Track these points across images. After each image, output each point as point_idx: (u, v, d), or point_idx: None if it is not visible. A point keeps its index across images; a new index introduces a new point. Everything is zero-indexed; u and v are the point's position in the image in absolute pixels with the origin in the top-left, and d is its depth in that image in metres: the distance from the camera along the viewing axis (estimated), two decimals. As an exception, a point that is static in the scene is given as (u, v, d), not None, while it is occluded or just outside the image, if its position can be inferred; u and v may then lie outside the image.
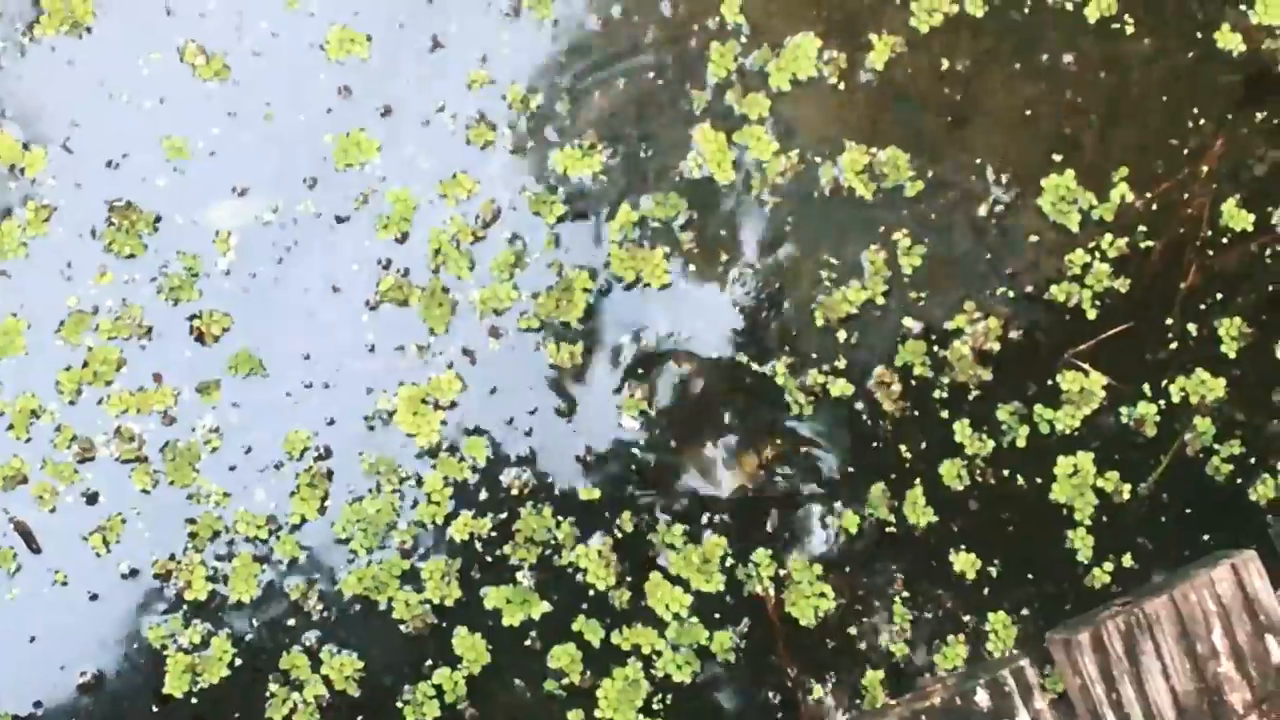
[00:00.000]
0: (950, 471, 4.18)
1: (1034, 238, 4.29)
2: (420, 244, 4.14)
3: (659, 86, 4.27)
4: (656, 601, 4.08)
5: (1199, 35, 4.39)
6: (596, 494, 4.12)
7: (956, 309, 4.25)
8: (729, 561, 4.12)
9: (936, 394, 4.23)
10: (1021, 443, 4.20)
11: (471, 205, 4.18)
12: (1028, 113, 4.33)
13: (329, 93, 4.18)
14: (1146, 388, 4.26)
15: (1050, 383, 4.24)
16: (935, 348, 4.24)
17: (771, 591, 4.10)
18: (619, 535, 4.11)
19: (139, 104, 4.15)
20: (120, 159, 4.13)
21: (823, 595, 4.12)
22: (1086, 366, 4.24)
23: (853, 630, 4.13)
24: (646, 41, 4.28)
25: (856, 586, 4.15)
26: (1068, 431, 4.21)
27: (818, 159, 4.27)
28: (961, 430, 4.19)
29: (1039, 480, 4.21)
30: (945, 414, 4.22)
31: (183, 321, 4.10)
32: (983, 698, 3.02)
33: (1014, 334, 4.26)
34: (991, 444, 4.20)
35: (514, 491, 4.11)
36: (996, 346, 4.25)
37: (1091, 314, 4.26)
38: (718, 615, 4.11)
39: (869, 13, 4.33)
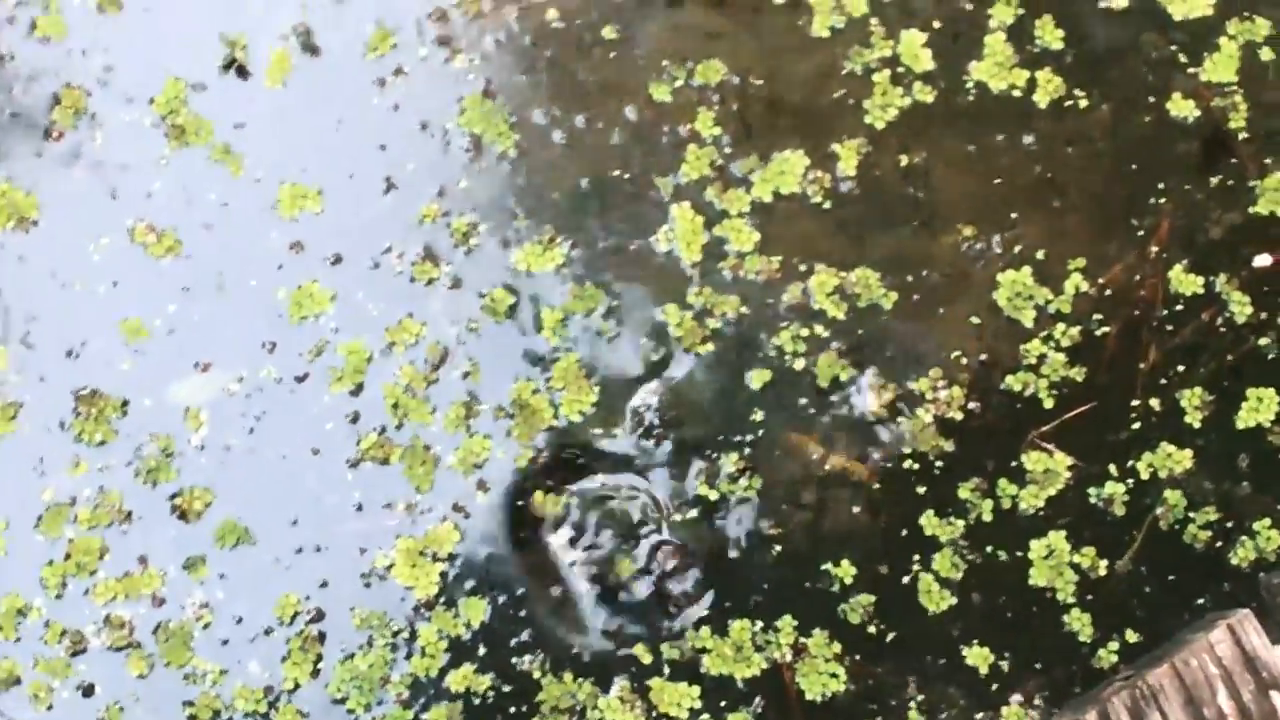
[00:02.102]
0: (944, 563, 4.41)
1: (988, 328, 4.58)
2: (377, 395, 4.39)
3: (623, 181, 4.57)
4: (668, 705, 4.28)
5: (1151, 103, 4.69)
6: (609, 644, 4.36)
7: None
8: (757, 640, 4.33)
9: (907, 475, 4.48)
10: (988, 517, 4.43)
11: (419, 350, 4.44)
12: (988, 198, 4.63)
13: (281, 250, 4.46)
14: (1112, 467, 4.49)
15: (1015, 464, 4.47)
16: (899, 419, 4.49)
17: (789, 658, 4.31)
18: (635, 670, 4.32)
19: (93, 290, 4.41)
20: (80, 347, 4.38)
21: (834, 676, 4.32)
22: (1050, 447, 4.48)
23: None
24: (612, 145, 4.59)
25: (869, 677, 4.35)
26: (1033, 511, 4.44)
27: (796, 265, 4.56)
28: (929, 521, 4.42)
29: (1018, 554, 4.43)
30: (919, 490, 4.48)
31: (163, 502, 4.33)
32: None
33: (974, 405, 4.51)
34: (961, 523, 4.42)
35: (531, 672, 4.31)
36: (959, 415, 4.50)
37: (1049, 403, 4.51)
38: (723, 703, 4.31)
39: (829, 119, 4.63)
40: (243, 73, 4.52)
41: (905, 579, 4.44)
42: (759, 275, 4.53)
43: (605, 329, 4.48)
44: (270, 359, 4.40)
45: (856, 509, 4.45)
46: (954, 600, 4.39)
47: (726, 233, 4.53)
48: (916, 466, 4.48)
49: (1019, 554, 4.43)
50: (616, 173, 4.56)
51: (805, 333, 4.51)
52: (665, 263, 4.53)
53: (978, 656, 4.39)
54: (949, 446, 4.46)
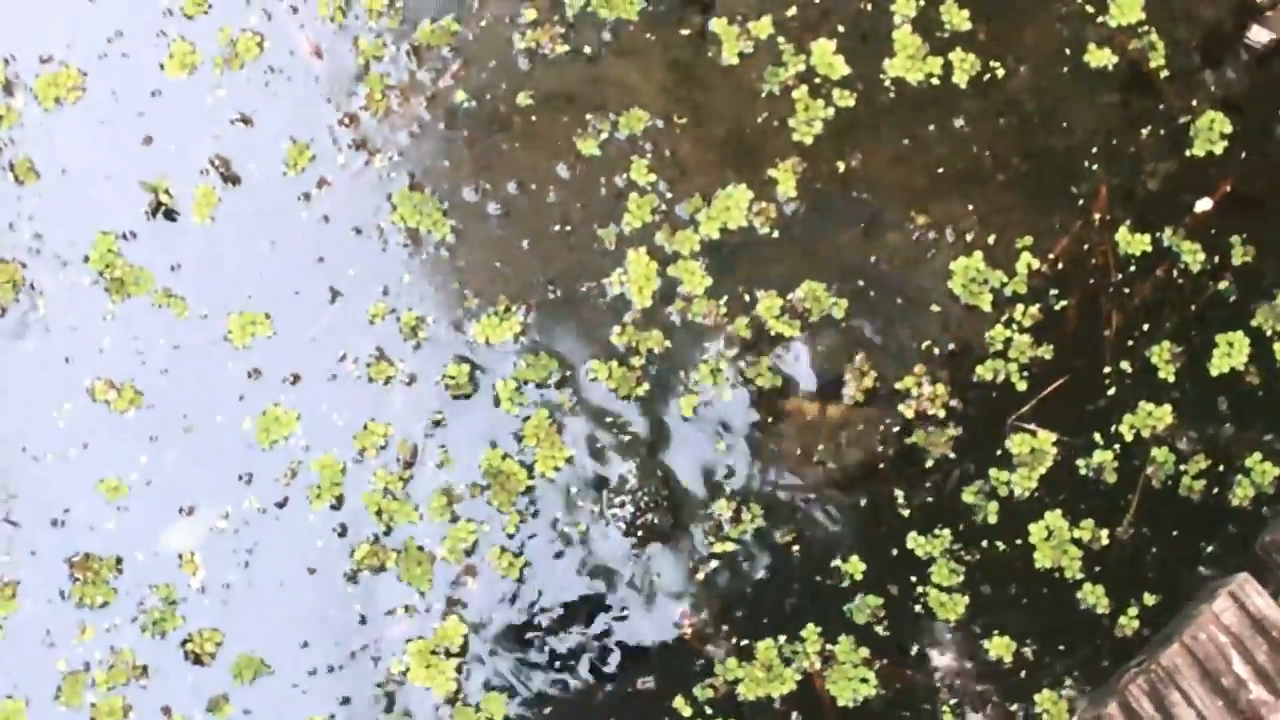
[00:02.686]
0: (941, 573, 4.45)
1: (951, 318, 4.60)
2: (359, 505, 4.43)
3: (566, 236, 4.59)
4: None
5: (1069, 59, 4.68)
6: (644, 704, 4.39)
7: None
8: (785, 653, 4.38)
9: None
10: (993, 519, 4.48)
11: (390, 451, 4.48)
12: (931, 188, 4.64)
13: (239, 380, 4.49)
14: (1097, 436, 4.53)
15: (1000, 451, 4.50)
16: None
17: (818, 666, 4.35)
18: None
19: (65, 456, 4.45)
20: (64, 515, 4.43)
21: (864, 680, 4.36)
22: (1032, 428, 4.51)
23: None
24: (550, 204, 4.60)
25: (899, 680, 4.40)
26: (1027, 494, 4.47)
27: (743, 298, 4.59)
28: (915, 541, 4.46)
29: (1018, 542, 4.47)
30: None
31: (175, 650, 4.38)
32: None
33: (955, 403, 4.54)
34: (949, 532, 4.46)
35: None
36: (942, 412, 4.52)
37: (1022, 385, 4.54)
38: None
39: (759, 144, 4.63)
40: (170, 214, 4.53)
41: (914, 593, 4.49)
42: (705, 318, 4.55)
43: (564, 400, 4.49)
44: (250, 490, 4.44)
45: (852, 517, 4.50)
46: (966, 600, 4.43)
47: (679, 273, 4.55)
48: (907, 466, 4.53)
49: (1019, 541, 4.47)
50: (557, 228, 4.58)
51: (751, 358, 4.53)
52: (619, 308, 4.54)
53: (1000, 647, 4.43)
54: (941, 445, 4.48)
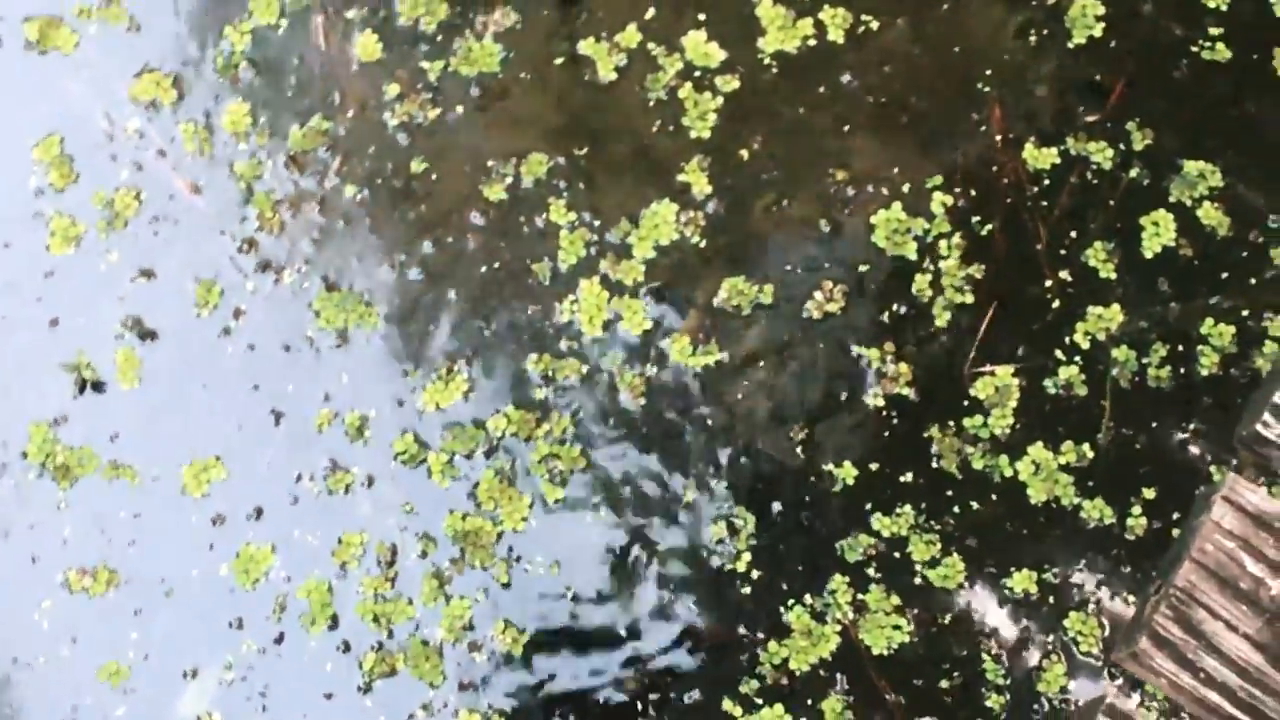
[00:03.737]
0: (921, 549, 4.31)
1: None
2: (355, 618, 4.27)
3: (499, 275, 4.45)
4: (756, 726, 4.16)
5: None
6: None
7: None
8: (817, 609, 4.25)
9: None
10: (983, 464, 4.34)
11: (370, 557, 4.31)
12: (836, 150, 4.53)
13: (206, 530, 4.31)
14: (1058, 353, 4.39)
15: (967, 401, 4.37)
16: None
17: (851, 616, 4.23)
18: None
19: (57, 655, 4.28)
20: (73, 713, 4.25)
21: (897, 628, 4.24)
22: (988, 368, 4.37)
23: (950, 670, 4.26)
24: (472, 252, 4.47)
25: (932, 625, 4.27)
26: (1006, 433, 4.33)
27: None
28: (880, 522, 4.31)
29: (1009, 477, 4.34)
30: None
31: (219, 813, 4.20)
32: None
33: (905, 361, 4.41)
34: (909, 509, 4.31)
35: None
36: (908, 391, 4.39)
37: (968, 318, 4.42)
38: (809, 700, 4.22)
39: (663, 152, 4.51)
40: (97, 387, 4.37)
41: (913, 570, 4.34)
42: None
43: (500, 464, 4.33)
44: (244, 634, 4.28)
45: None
46: (963, 570, 4.30)
47: (620, 309, 4.41)
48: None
49: (1010, 476, 4.34)
50: (485, 269, 4.43)
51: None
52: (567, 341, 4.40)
53: (1022, 581, 4.30)
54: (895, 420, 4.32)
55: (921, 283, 4.43)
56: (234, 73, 4.52)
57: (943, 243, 4.45)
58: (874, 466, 4.35)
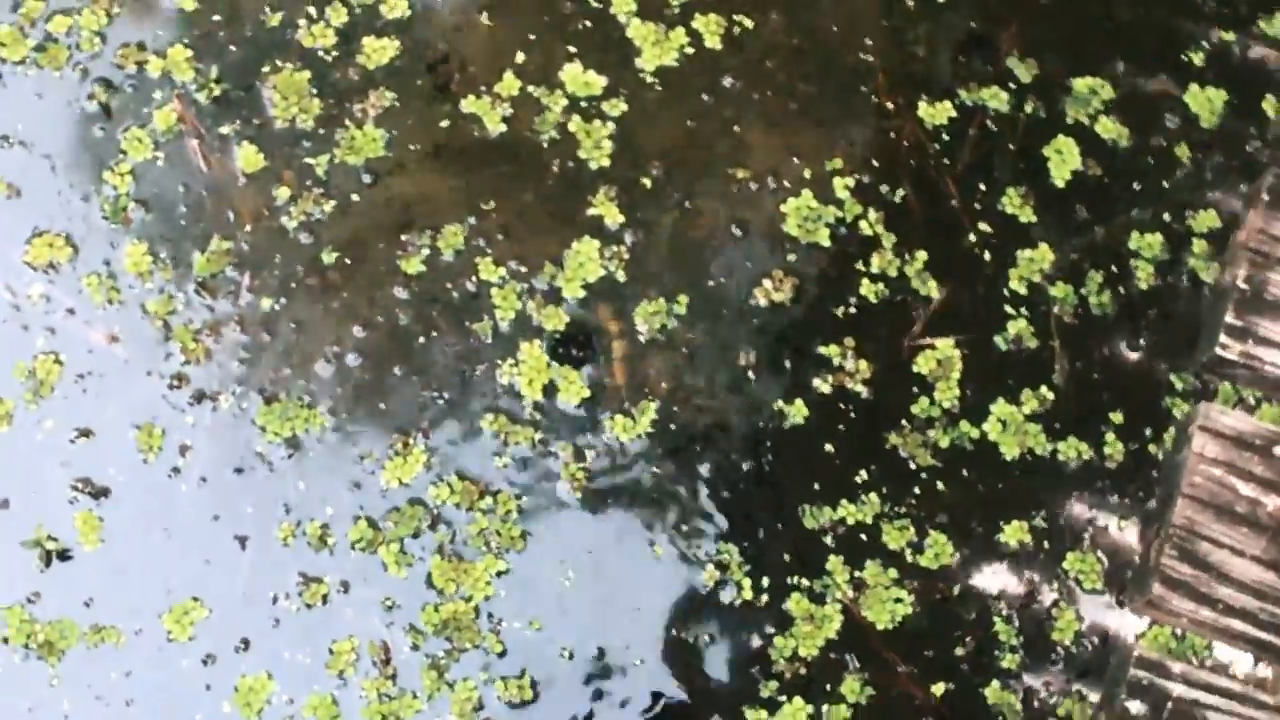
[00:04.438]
0: (894, 536, 4.23)
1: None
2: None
3: (437, 343, 4.32)
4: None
5: None
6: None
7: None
8: (815, 589, 4.16)
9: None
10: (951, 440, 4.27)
11: (364, 659, 4.15)
12: (734, 152, 4.45)
13: (198, 673, 4.12)
14: (1007, 308, 4.33)
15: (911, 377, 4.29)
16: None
17: (852, 595, 4.12)
18: None
19: None
20: None
21: (899, 600, 4.15)
22: (926, 341, 4.29)
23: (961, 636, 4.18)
24: (406, 327, 4.33)
25: (935, 592, 4.19)
26: (954, 405, 4.25)
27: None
28: (845, 509, 4.22)
29: (980, 441, 4.27)
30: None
31: None
32: (1136, 706, 3.07)
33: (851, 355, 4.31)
34: (873, 496, 4.22)
35: None
36: (862, 389, 4.30)
37: (923, 287, 4.34)
38: (827, 686, 4.12)
39: (569, 192, 4.40)
40: (63, 556, 4.18)
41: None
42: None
43: (440, 536, 4.20)
44: (259, 770, 4.07)
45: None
46: (950, 551, 4.22)
47: (556, 377, 4.28)
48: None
49: (979, 440, 4.27)
50: (422, 339, 4.30)
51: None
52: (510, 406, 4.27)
53: (1014, 534, 4.23)
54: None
55: (861, 265, 4.37)
56: (124, 215, 4.35)
57: (862, 223, 4.37)
58: (836, 461, 4.27)
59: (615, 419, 4.26)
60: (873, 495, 4.22)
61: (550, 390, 4.28)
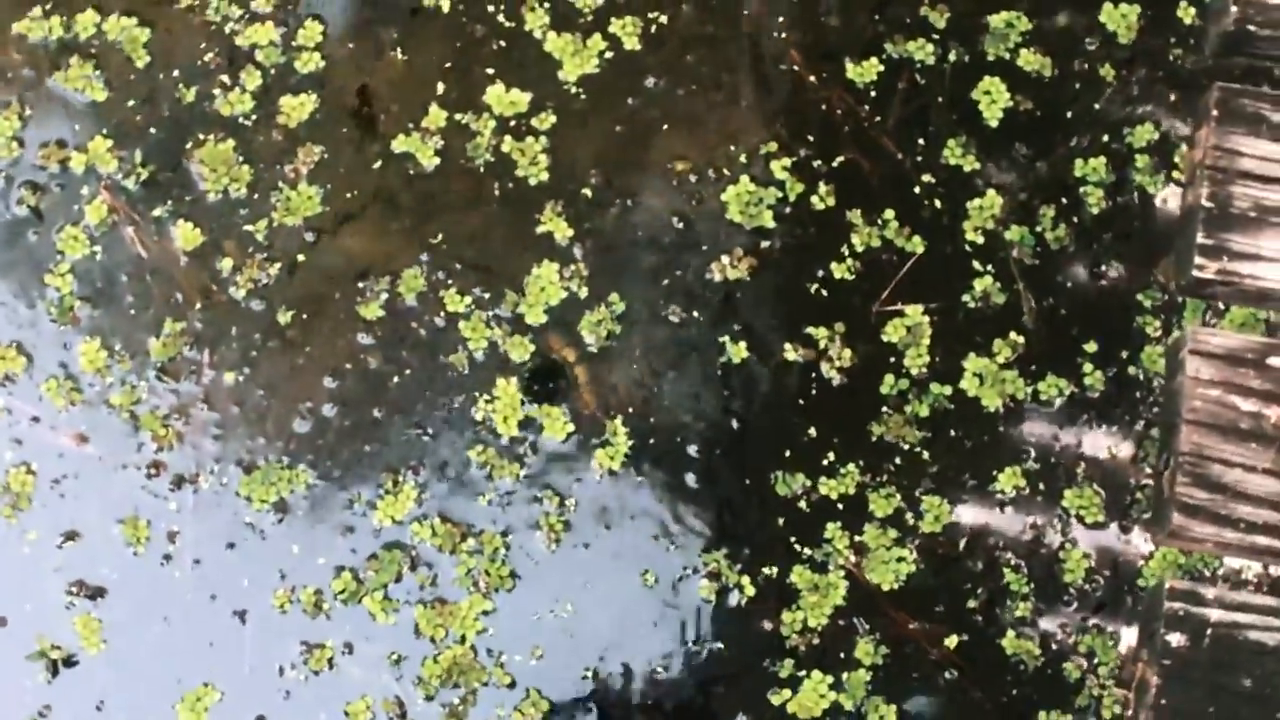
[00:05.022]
0: (880, 505, 4.14)
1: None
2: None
3: (410, 382, 4.22)
4: (805, 709, 3.99)
5: None
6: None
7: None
8: (817, 559, 4.07)
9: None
10: (925, 412, 4.19)
11: (381, 716, 4.06)
12: (671, 151, 4.36)
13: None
14: (975, 264, 4.24)
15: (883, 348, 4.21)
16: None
17: (853, 558, 4.04)
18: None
19: None
20: None
21: (901, 560, 4.07)
22: (895, 306, 4.20)
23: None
24: (377, 370, 4.22)
25: (938, 548, 4.12)
26: (924, 370, 4.17)
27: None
28: (827, 485, 4.14)
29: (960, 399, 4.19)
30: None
31: None
32: (1177, 638, 2.98)
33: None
34: (853, 468, 4.13)
35: None
36: (837, 377, 4.21)
37: (907, 244, 4.26)
38: (842, 654, 4.03)
39: (516, 213, 4.30)
40: (69, 663, 4.06)
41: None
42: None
43: (422, 578, 4.09)
44: (303, 841, 3.94)
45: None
46: (949, 511, 4.15)
47: (539, 417, 4.20)
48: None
49: (956, 398, 4.18)
50: (397, 379, 4.19)
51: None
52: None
53: (1008, 480, 4.15)
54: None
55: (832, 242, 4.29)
56: (71, 315, 4.22)
57: (814, 198, 4.29)
58: (812, 441, 4.19)
59: (598, 453, 4.16)
60: (850, 466, 4.13)
61: (534, 425, 4.17)
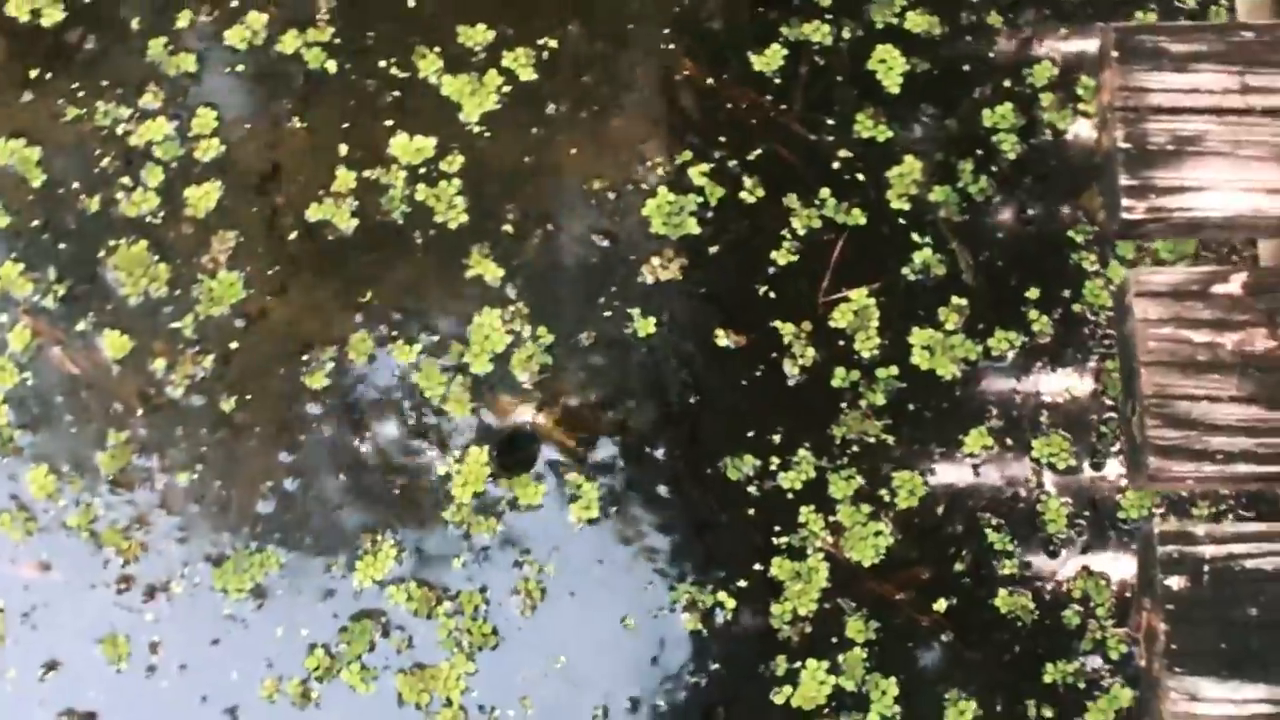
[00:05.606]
0: (840, 487, 4.04)
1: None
2: None
3: (374, 454, 4.10)
4: (808, 699, 3.89)
5: None
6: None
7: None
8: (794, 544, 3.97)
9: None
10: (881, 400, 4.09)
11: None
12: (581, 172, 4.28)
13: None
14: (914, 236, 4.16)
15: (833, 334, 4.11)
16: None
17: (830, 539, 3.95)
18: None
19: None
20: None
21: (878, 534, 3.97)
22: (841, 294, 4.13)
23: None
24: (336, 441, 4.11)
25: (914, 517, 4.03)
26: (876, 354, 4.09)
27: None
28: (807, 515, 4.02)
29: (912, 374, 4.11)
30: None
31: None
32: (1176, 581, 2.90)
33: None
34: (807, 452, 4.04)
35: None
36: (796, 374, 4.12)
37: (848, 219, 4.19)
38: (834, 639, 3.93)
39: (447, 259, 4.21)
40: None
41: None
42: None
43: (398, 642, 3.97)
44: None
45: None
46: (922, 483, 4.05)
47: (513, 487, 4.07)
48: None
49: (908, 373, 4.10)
50: (357, 442, 4.08)
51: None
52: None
53: (976, 440, 4.07)
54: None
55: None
56: (12, 446, 4.11)
57: (743, 193, 4.21)
58: (765, 434, 4.08)
59: (571, 507, 4.04)
60: (803, 451, 4.03)
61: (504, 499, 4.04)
